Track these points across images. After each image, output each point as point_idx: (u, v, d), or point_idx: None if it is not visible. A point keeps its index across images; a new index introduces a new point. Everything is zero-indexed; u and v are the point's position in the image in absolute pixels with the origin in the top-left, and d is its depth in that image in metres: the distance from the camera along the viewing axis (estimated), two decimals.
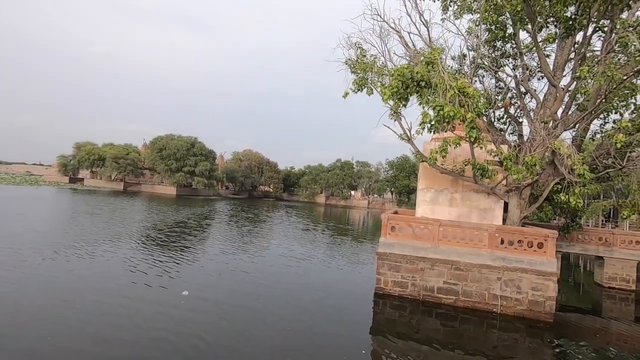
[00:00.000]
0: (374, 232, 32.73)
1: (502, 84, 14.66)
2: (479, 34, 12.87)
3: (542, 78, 13.59)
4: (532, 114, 12.71)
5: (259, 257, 16.72)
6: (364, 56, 12.35)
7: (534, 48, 12.04)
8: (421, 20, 12.69)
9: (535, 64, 13.76)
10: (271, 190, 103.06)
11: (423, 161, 12.61)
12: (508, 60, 14.50)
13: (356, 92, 12.14)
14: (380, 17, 12.56)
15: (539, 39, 12.00)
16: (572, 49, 11.90)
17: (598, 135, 13.92)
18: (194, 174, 73.36)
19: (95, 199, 41.73)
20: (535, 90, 12.78)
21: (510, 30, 12.82)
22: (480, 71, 14.04)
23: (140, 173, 79.01)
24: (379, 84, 11.83)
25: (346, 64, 12.41)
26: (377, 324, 9.55)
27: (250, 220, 33.73)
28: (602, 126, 13.74)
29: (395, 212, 13.95)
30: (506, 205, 12.69)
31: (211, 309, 9.27)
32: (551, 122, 11.45)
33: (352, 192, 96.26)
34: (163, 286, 10.76)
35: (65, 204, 35.94)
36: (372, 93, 11.97)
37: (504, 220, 12.83)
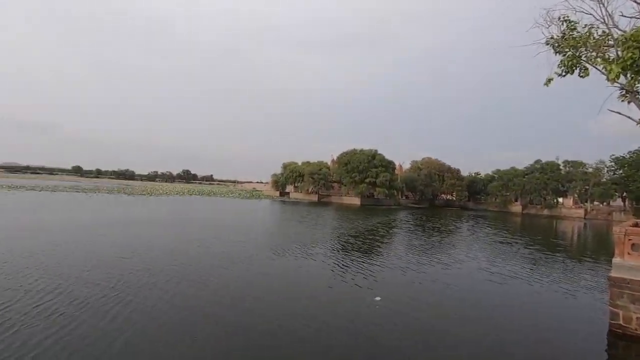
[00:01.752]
0: (596, 250, 25.58)
1: None
2: None
3: None
4: None
5: (455, 268, 15.83)
6: (574, 29, 9.96)
7: None
8: None
9: None
10: (454, 198, 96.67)
11: None
12: None
13: (564, 76, 9.89)
14: None
15: None
16: None
17: None
18: (375, 185, 77.36)
19: (298, 209, 50.03)
20: None
21: None
22: None
23: (330, 186, 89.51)
24: (598, 59, 9.25)
25: (547, 44, 10.32)
26: None
27: (437, 230, 32.57)
28: None
29: (637, 225, 10.40)
30: None
31: (403, 319, 9.30)
32: None
33: (560, 199, 78.49)
34: (357, 289, 11.62)
35: (279, 212, 44.58)
36: (588, 74, 9.48)
37: None
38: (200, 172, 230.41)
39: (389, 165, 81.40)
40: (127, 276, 10.99)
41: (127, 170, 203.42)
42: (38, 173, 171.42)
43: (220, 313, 8.64)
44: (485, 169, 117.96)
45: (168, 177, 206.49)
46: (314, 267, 14.22)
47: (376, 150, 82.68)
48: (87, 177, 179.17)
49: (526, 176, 79.63)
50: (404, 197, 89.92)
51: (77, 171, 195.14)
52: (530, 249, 23.68)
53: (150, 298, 9.24)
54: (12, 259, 12.18)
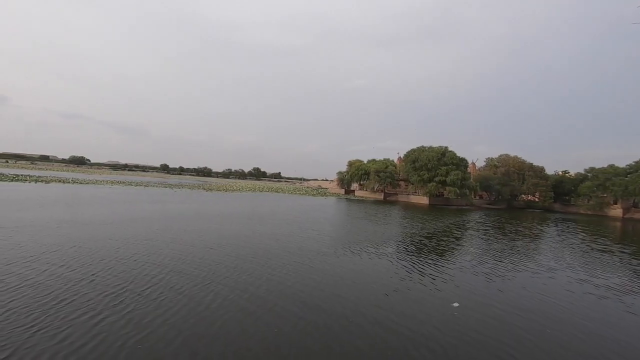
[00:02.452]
0: None
1: None
2: None
3: None
4: None
5: (546, 277, 14.27)
6: None
7: None
8: None
9: None
10: (537, 199, 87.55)
11: None
12: None
13: None
14: None
15: None
16: None
17: None
18: (445, 184, 73.47)
19: (365, 207, 49.69)
20: None
21: None
22: None
23: (397, 184, 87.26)
24: None
25: None
26: None
27: (520, 233, 29.81)
28: None
29: None
30: None
31: (485, 329, 8.64)
32: None
33: None
34: (431, 292, 11.12)
35: (346, 210, 44.75)
36: None
37: None
38: (269, 170, 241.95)
39: (460, 163, 76.63)
40: (214, 267, 11.92)
41: (205, 168, 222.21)
42: (133, 170, 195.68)
43: (295, 309, 8.88)
44: (574, 168, 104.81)
45: (240, 174, 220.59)
46: (385, 267, 13.95)
47: (446, 147, 78.44)
48: (172, 174, 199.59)
49: (629, 175, 68.80)
50: (477, 197, 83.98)
51: (164, 169, 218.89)
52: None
53: (235, 289, 9.89)
54: (125, 246, 13.99)
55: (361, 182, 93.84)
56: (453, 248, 20.03)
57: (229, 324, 7.59)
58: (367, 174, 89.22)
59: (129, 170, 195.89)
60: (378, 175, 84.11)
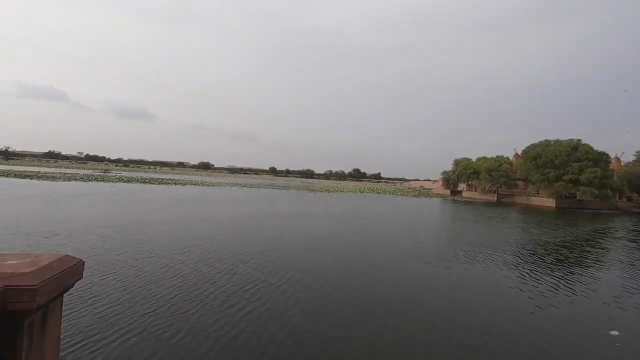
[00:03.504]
0: None
1: None
2: None
3: None
4: None
5: None
6: None
7: None
8: None
9: None
10: None
11: None
12: None
13: None
14: None
15: None
16: None
17: None
18: (577, 183, 62.19)
19: (475, 209, 45.41)
20: None
21: None
22: None
23: (513, 184, 77.52)
24: None
25: None
26: None
27: None
28: None
29: None
30: None
31: None
32: None
33: None
34: (578, 316, 9.30)
35: (453, 212, 41.63)
36: None
37: None
38: (368, 171, 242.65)
39: (599, 159, 63.86)
40: (329, 268, 12.24)
41: (308, 170, 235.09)
42: (247, 173, 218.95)
43: (423, 316, 8.42)
44: None
45: (341, 176, 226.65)
46: (510, 281, 12.19)
47: (579, 141, 66.35)
48: (279, 176, 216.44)
49: None
50: (624, 200, 68.81)
51: (273, 171, 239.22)
52: None
53: (342, 291, 9.93)
54: (254, 242, 15.52)
55: (469, 182, 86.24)
56: (604, 261, 16.62)
57: (355, 323, 7.62)
58: (476, 173, 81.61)
59: (243, 173, 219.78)
60: (490, 175, 76.07)
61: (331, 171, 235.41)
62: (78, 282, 1.96)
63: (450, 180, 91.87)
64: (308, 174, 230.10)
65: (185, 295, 8.61)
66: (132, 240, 14.15)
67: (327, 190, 73.63)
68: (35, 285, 1.53)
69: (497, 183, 75.52)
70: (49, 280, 1.62)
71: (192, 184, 65.70)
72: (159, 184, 58.56)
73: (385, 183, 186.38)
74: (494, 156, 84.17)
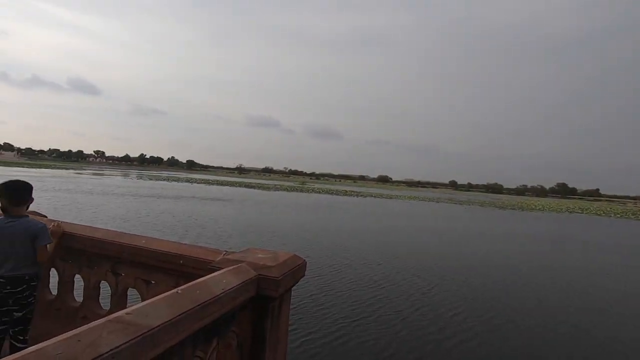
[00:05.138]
0: None
1: None
2: None
3: None
4: None
5: None
6: None
7: None
8: None
9: None
10: None
11: None
12: None
13: None
14: None
15: None
16: None
17: None
18: None
19: None
20: None
21: None
22: None
23: None
24: None
25: None
26: None
27: None
28: None
29: None
30: None
31: None
32: None
33: None
34: None
35: None
36: None
37: None
38: (580, 186, 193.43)
39: None
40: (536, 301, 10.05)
41: (495, 184, 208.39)
42: (425, 187, 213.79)
43: None
44: None
45: (539, 191, 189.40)
46: None
47: None
48: (459, 190, 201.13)
49: None
50: None
51: (452, 185, 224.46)
52: None
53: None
54: (457, 262, 14.76)
55: None
56: None
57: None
58: None
59: (421, 186, 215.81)
60: None
61: (525, 186, 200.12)
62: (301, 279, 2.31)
63: None
64: (495, 189, 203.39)
65: (388, 307, 8.45)
66: (336, 246, 15.11)
67: (520, 208, 62.95)
68: (279, 277, 1.87)
69: None
70: (286, 275, 1.94)
71: (372, 196, 69.35)
72: (343, 195, 64.67)
73: (606, 201, 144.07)
74: None
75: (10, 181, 2.43)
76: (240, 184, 73.80)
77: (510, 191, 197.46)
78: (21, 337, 2.35)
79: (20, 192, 2.44)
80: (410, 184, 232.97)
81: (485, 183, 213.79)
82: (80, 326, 1.05)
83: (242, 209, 28.11)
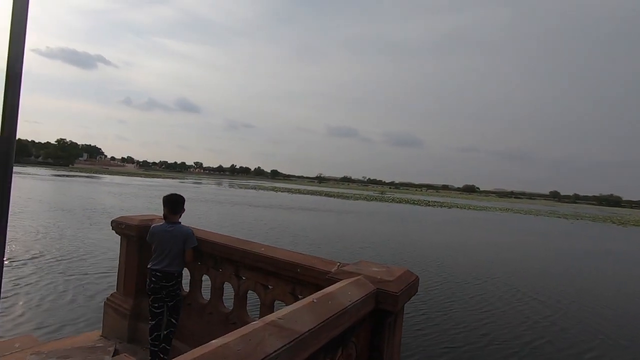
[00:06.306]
0: None
1: None
2: None
3: None
4: None
5: None
6: None
7: None
8: None
9: None
10: None
11: None
12: None
13: None
14: None
15: None
16: None
17: None
18: None
19: None
20: None
21: None
22: None
23: None
24: None
25: None
26: None
27: None
28: None
29: None
30: None
31: None
32: None
33: None
34: None
35: None
36: None
37: None
38: None
39: None
40: None
41: (610, 196, 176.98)
42: (519, 197, 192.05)
43: None
44: None
45: None
46: None
47: None
48: (563, 202, 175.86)
49: None
50: None
51: (554, 196, 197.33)
52: None
53: None
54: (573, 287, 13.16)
55: None
56: None
57: None
58: None
59: (514, 197, 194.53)
60: None
61: None
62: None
63: None
64: (610, 201, 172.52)
65: (500, 329, 7.73)
66: (432, 261, 14.37)
67: None
68: (397, 293, 1.87)
69: None
70: (403, 290, 1.92)
71: (457, 207, 64.89)
72: (425, 206, 61.73)
73: None
74: None
75: (171, 194, 2.99)
76: (320, 193, 75.75)
77: (632, 204, 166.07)
78: (174, 319, 2.91)
79: (179, 203, 2.98)
80: (502, 194, 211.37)
81: (598, 194, 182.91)
82: (231, 330, 1.20)
83: (327, 218, 28.65)
